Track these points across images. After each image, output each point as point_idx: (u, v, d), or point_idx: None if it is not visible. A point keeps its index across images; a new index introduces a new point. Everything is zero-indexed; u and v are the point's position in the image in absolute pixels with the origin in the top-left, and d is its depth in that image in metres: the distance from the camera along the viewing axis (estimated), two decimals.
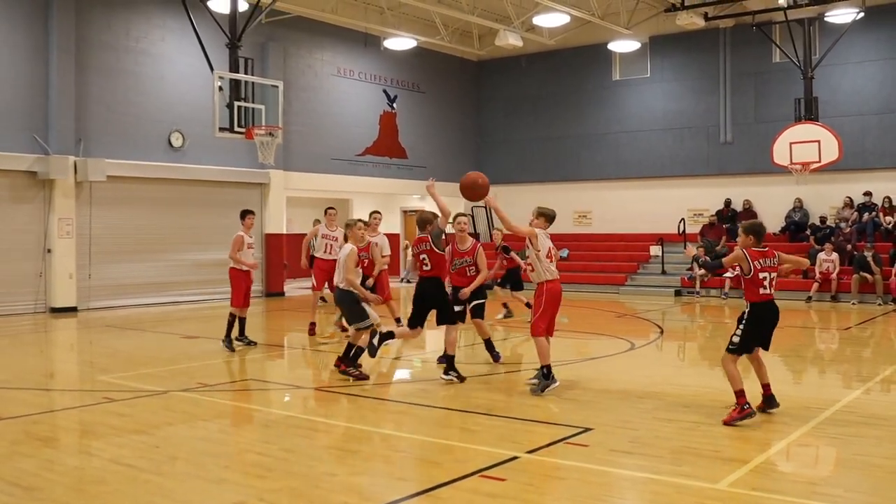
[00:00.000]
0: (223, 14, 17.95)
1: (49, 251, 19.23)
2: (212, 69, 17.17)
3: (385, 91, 27.47)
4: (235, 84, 17.21)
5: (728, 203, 25.54)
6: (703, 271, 22.49)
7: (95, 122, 19.94)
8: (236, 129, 17.19)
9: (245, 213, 13.45)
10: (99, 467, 6.70)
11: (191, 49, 19.08)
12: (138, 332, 16.16)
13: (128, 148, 20.42)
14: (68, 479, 6.40)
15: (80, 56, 19.61)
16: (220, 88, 16.92)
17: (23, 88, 18.91)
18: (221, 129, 17.13)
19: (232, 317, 13.00)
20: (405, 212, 31.43)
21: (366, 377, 10.15)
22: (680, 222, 25.46)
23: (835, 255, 21.42)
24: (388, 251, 14.10)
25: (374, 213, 14.80)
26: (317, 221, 17.43)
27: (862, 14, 21.79)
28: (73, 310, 19.31)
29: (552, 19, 24.40)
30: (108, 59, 20.25)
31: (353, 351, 10.25)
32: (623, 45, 26.25)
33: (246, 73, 17.74)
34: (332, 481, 6.34)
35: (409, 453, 7.33)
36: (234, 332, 13.00)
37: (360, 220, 11.31)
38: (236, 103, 17.10)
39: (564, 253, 27.32)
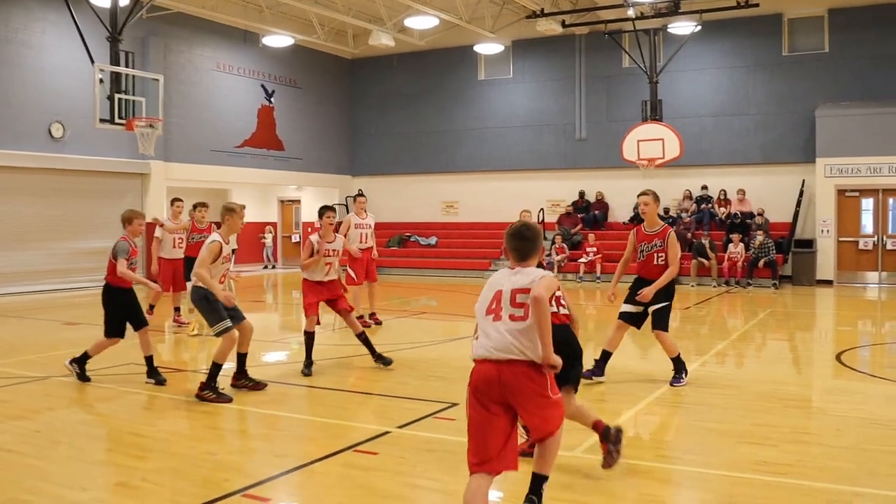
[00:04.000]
0: (104, 8, 17.29)
1: None
2: (92, 62, 16.56)
3: (263, 86, 26.96)
4: (116, 77, 16.67)
5: (582, 194, 26.22)
6: (560, 256, 23.00)
7: None
8: (117, 120, 16.71)
9: (323, 211, 9.91)
10: None
11: (72, 42, 18.24)
12: (18, 319, 15.43)
13: (8, 138, 19.36)
14: None
15: None
16: (101, 81, 16.38)
17: None
18: (102, 121, 16.62)
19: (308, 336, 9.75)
20: (282, 202, 30.97)
21: (228, 399, 8.08)
22: (539, 212, 25.95)
23: None
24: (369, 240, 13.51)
25: (360, 197, 14.05)
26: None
27: (699, 27, 22.67)
28: None
29: (422, 21, 24.44)
30: None
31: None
32: (488, 48, 26.54)
33: (127, 66, 17.19)
34: (212, 460, 6.22)
35: (287, 431, 7.25)
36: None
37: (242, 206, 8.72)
38: (117, 95, 16.61)
39: (433, 240, 27.53)
